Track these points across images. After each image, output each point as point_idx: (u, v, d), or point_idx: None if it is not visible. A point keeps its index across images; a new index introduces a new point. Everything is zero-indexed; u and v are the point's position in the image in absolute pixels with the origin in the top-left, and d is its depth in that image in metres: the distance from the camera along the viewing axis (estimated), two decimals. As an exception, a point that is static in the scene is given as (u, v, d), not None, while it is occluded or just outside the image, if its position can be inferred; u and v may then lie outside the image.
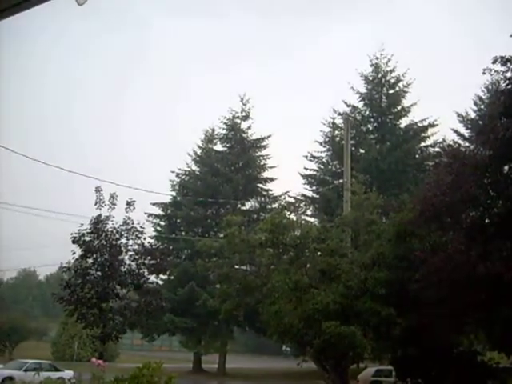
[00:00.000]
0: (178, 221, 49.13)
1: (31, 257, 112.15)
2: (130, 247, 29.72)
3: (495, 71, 18.24)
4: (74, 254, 29.15)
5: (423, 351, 19.37)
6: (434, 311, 17.49)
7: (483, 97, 45.32)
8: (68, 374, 28.14)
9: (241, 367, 50.03)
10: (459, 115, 46.00)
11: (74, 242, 28.83)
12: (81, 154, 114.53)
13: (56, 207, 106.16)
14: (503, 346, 35.14)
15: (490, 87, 42.61)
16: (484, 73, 18.50)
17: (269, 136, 50.40)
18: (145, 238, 30.77)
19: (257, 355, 70.74)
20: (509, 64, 17.78)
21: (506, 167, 18.61)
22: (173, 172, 49.81)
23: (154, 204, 48.19)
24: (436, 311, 17.43)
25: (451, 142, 25.04)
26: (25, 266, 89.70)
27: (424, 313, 17.79)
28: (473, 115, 45.42)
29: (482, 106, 44.38)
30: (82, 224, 29.05)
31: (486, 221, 18.93)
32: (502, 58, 17.79)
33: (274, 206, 44.60)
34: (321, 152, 45.67)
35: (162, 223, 49.06)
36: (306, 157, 45.51)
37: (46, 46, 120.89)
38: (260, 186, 50.20)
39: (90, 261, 29.24)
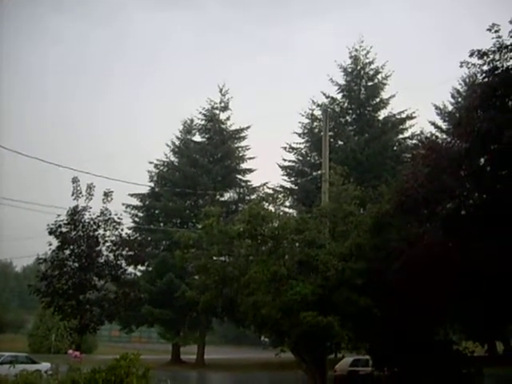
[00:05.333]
0: (157, 212, 48.94)
1: (7, 248, 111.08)
2: (107, 238, 29.63)
3: (472, 64, 18.39)
4: (50, 245, 28.99)
5: (400, 341, 19.58)
6: (410, 301, 17.67)
7: (460, 90, 45.72)
8: (45, 366, 27.84)
9: (219, 358, 50.16)
10: (437, 108, 46.36)
11: (50, 233, 28.64)
12: (57, 145, 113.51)
13: (32, 198, 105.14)
14: (478, 336, 35.85)
15: (467, 80, 42.97)
16: (461, 66, 18.66)
17: (248, 127, 50.38)
18: (122, 229, 30.74)
19: (235, 346, 70.95)
20: (485, 57, 17.94)
21: (482, 159, 18.82)
22: (151, 163, 49.57)
23: (131, 195, 47.97)
24: (413, 301, 17.61)
25: (428, 135, 25.32)
26: (1, 257, 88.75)
27: (401, 303, 17.97)
28: (450, 108, 45.81)
29: (460, 99, 44.76)
30: (59, 215, 28.87)
31: (462, 212, 19.15)
32: (478, 51, 17.94)
33: (252, 197, 44.61)
34: (300, 143, 45.71)
35: (140, 214, 48.82)
36: (285, 148, 45.54)
37: (20, 36, 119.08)
38: (239, 177, 50.19)
39: (67, 252, 29.10)
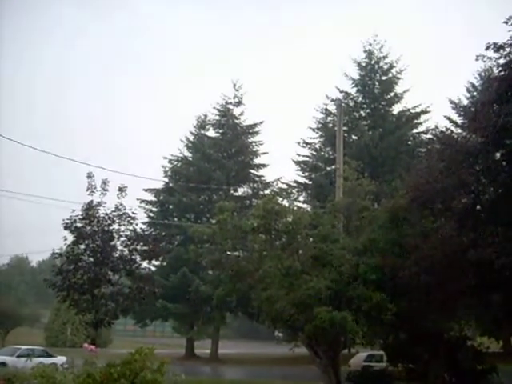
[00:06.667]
0: (171, 207, 49.10)
1: (23, 243, 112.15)
2: (122, 233, 29.66)
3: (488, 58, 18.18)
4: (65, 240, 29.09)
5: (414, 336, 19.51)
6: (425, 297, 17.60)
7: (476, 83, 45.30)
8: (61, 359, 28.18)
9: (233, 352, 50.31)
10: (452, 102, 45.98)
11: (65, 228, 28.75)
12: (72, 140, 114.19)
13: (48, 193, 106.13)
14: (493, 331, 35.59)
15: (482, 74, 42.57)
16: (477, 59, 18.47)
17: (261, 122, 50.35)
18: (137, 224, 30.74)
19: (249, 341, 71.09)
20: (502, 50, 17.73)
21: (498, 154, 18.64)
22: (165, 158, 49.75)
23: (146, 190, 48.19)
24: (427, 297, 17.54)
25: (443, 129, 25.00)
26: (17, 252, 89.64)
27: (415, 298, 17.90)
28: (465, 102, 45.41)
29: (475, 93, 44.35)
30: (74, 210, 29.00)
31: (477, 207, 19.00)
32: (494, 44, 17.73)
33: (266, 192, 44.64)
34: (313, 138, 45.65)
35: (155, 209, 49.02)
36: (299, 143, 45.50)
37: (38, 33, 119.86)
38: (252, 172, 50.18)
39: (82, 247, 29.19)
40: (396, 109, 45.15)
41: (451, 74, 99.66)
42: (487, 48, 17.82)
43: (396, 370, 21.50)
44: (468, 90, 46.16)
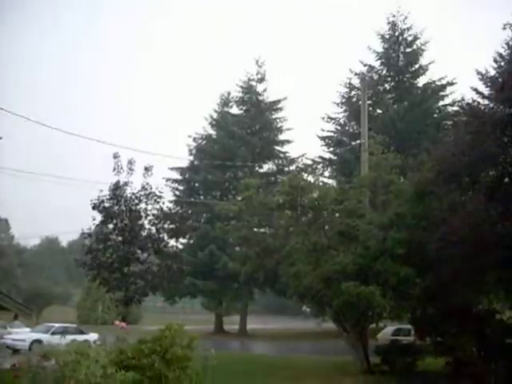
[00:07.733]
0: (196, 185, 49.41)
1: (53, 224, 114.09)
2: (149, 212, 30.07)
3: (516, 26, 17.81)
4: (94, 220, 29.57)
5: (442, 310, 19.45)
6: (452, 271, 17.50)
7: (503, 53, 44.25)
8: (93, 336, 28.82)
9: (262, 328, 50.77)
10: (478, 73, 44.93)
11: (94, 208, 29.24)
12: (98, 121, 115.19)
13: (77, 175, 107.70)
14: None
15: (510, 43, 41.52)
16: (504, 28, 18.11)
17: (285, 98, 50.11)
18: (163, 203, 31.14)
19: (277, 316, 71.63)
20: (530, 18, 17.34)
21: (526, 125, 18.29)
22: (190, 136, 49.92)
23: (171, 169, 48.53)
24: (455, 271, 17.43)
25: (470, 101, 24.55)
26: (47, 233, 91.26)
27: (443, 272, 17.81)
28: (492, 72, 44.33)
29: (502, 63, 43.33)
30: (102, 190, 29.40)
31: (506, 180, 18.74)
32: (522, 12, 17.33)
33: (291, 168, 44.61)
34: (338, 113, 45.24)
35: (181, 187, 49.38)
36: (323, 118, 45.14)
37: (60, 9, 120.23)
38: (277, 148, 50.11)
39: (111, 226, 29.67)
40: (421, 81, 44.43)
41: (477, 44, 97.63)
42: (515, 16, 17.44)
43: (424, 343, 21.48)
44: (495, 60, 44.95)
